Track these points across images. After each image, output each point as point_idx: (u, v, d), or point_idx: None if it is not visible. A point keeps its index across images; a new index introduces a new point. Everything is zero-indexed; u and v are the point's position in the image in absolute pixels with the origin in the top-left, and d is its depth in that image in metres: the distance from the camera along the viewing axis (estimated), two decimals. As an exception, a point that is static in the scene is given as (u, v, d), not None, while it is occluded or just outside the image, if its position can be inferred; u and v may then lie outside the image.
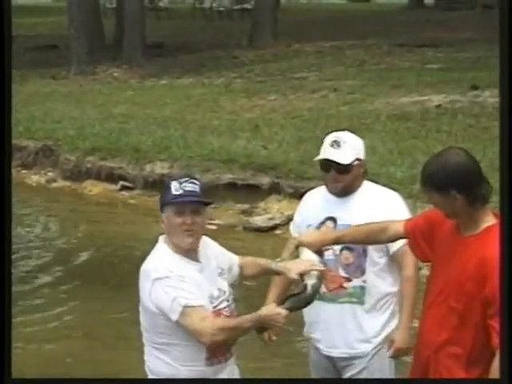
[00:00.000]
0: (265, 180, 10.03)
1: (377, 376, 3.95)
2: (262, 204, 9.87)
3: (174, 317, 3.34)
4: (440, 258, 3.49)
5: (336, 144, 3.94)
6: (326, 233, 3.84)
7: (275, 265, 3.75)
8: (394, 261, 3.97)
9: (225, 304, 3.52)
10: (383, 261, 3.99)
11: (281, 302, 3.48)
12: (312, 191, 4.27)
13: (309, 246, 3.73)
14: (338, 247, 3.94)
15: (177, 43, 23.01)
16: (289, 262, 3.74)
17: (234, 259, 3.76)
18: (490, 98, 12.76)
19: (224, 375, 3.53)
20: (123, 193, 11.25)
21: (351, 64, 17.57)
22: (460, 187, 3.26)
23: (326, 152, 3.95)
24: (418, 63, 16.85)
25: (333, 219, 3.97)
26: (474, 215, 3.33)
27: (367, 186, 4.07)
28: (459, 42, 19.07)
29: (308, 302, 3.62)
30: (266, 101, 14.60)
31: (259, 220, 9.48)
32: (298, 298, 3.57)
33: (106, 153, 11.67)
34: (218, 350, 3.46)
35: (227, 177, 10.28)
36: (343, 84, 15.22)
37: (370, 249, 3.94)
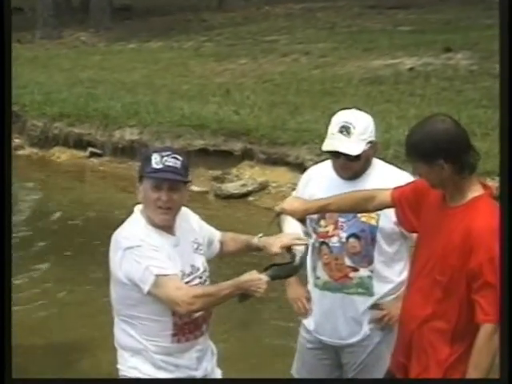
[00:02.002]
0: (237, 146, 9.89)
1: (383, 361, 3.71)
2: (234, 170, 9.74)
3: (146, 287, 3.19)
4: (426, 229, 3.37)
5: (346, 130, 3.62)
6: (311, 201, 3.65)
7: (257, 240, 3.56)
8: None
9: (197, 281, 3.37)
10: (392, 249, 3.77)
11: (264, 270, 3.30)
12: (316, 168, 3.97)
13: (292, 213, 3.53)
14: (344, 234, 3.72)
15: (145, 6, 22.70)
16: (271, 236, 3.54)
17: (215, 235, 3.61)
18: (463, 60, 12.68)
19: (193, 353, 3.39)
20: (92, 159, 11.07)
21: (322, 26, 17.39)
22: (447, 155, 3.12)
23: (335, 140, 3.64)
24: (389, 25, 16.70)
25: None
26: (461, 185, 3.20)
27: (377, 167, 3.77)
28: (430, 3, 18.93)
29: (293, 273, 3.46)
30: (236, 65, 14.41)
31: (231, 187, 9.34)
32: (283, 267, 3.40)
33: (74, 119, 11.48)
34: (185, 327, 3.33)
35: (198, 143, 10.13)
36: (314, 47, 15.05)
37: (379, 237, 3.72)
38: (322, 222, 3.77)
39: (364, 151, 3.63)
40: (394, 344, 3.53)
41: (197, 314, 3.31)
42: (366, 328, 3.80)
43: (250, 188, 9.25)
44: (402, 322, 3.45)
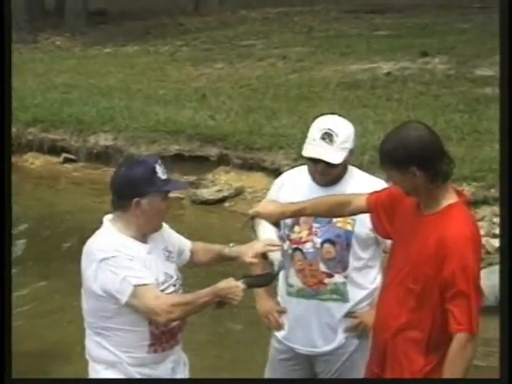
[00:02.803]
0: (212, 151, 9.81)
1: (358, 369, 3.68)
2: (209, 176, 9.66)
3: (124, 298, 3.14)
4: (400, 236, 3.32)
5: (328, 137, 3.56)
6: (286, 204, 3.57)
7: (229, 250, 3.52)
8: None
9: (171, 289, 3.31)
10: (366, 255, 3.72)
11: (242, 278, 3.25)
12: (290, 173, 3.93)
13: (267, 217, 3.45)
14: (319, 240, 3.66)
15: (121, 10, 22.56)
16: (243, 245, 3.48)
17: (186, 244, 3.56)
18: (440, 64, 12.69)
19: (168, 363, 3.34)
20: (66, 165, 10.94)
21: (299, 31, 17.34)
22: (419, 163, 3.08)
23: (316, 146, 3.58)
24: (366, 30, 16.68)
25: None
26: (435, 192, 3.15)
27: (353, 173, 3.74)
28: (407, 8, 18.95)
29: (271, 281, 3.41)
30: (212, 69, 14.33)
31: (207, 192, 9.25)
32: (260, 276, 3.36)
33: (48, 124, 11.34)
34: (162, 337, 3.28)
35: (174, 148, 10.04)
36: (291, 51, 15.00)
37: (354, 242, 3.67)
38: (296, 228, 3.71)
39: (344, 160, 3.59)
40: (369, 353, 3.47)
41: (173, 324, 3.26)
42: (340, 336, 3.75)
43: (225, 193, 9.17)
44: (375, 331, 3.39)
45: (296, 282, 3.74)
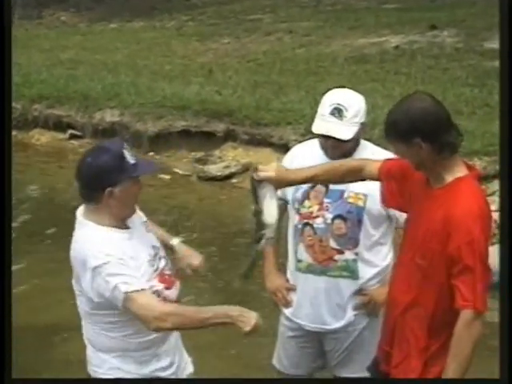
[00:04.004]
0: (219, 127, 9.72)
1: (367, 347, 3.64)
2: (216, 152, 9.58)
3: (119, 304, 3.10)
4: (411, 211, 3.25)
5: (338, 113, 3.49)
6: (297, 170, 3.44)
7: (175, 243, 3.54)
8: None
9: (163, 262, 3.30)
10: (378, 232, 3.66)
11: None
12: (301, 146, 3.88)
13: (277, 183, 3.31)
14: (330, 215, 3.59)
15: (126, -15, 22.39)
16: (188, 248, 3.55)
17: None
18: (449, 37, 12.56)
19: (171, 338, 3.33)
20: (72, 141, 10.88)
21: (306, 5, 17.18)
22: (424, 134, 3.00)
23: (326, 122, 3.52)
24: (374, 3, 16.53)
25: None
26: (442, 165, 3.08)
27: (365, 147, 3.68)
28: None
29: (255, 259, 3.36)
30: (219, 44, 14.22)
31: (214, 168, 9.18)
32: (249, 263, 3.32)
33: (54, 100, 11.26)
34: None
35: (180, 124, 9.96)
36: (298, 26, 14.87)
37: (366, 219, 3.60)
38: (307, 203, 3.65)
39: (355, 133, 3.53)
40: (381, 332, 3.42)
41: (173, 297, 3.25)
42: (350, 314, 3.70)
43: (233, 170, 9.11)
44: (386, 309, 3.34)
45: (305, 257, 3.69)
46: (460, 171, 3.09)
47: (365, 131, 3.67)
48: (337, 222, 3.60)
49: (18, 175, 9.90)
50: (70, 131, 10.91)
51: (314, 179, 3.44)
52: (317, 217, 3.63)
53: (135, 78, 11.71)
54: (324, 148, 3.64)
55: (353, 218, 3.60)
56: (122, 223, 3.25)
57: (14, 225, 7.98)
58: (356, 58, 11.99)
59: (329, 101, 3.57)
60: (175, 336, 3.37)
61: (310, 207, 3.65)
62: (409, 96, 3.17)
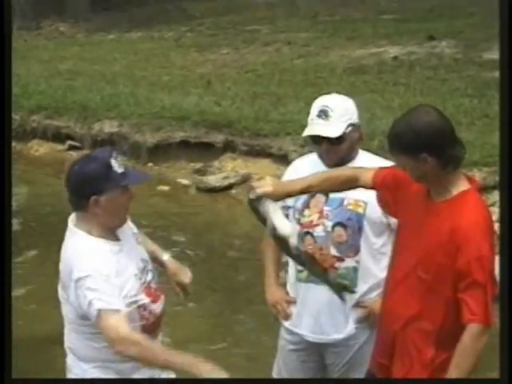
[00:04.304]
0: (218, 138, 9.71)
1: (367, 362, 3.56)
2: (215, 163, 9.57)
3: (92, 319, 3.09)
4: (408, 223, 3.23)
5: (324, 114, 3.54)
6: (292, 182, 3.46)
7: (166, 259, 3.52)
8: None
9: (150, 275, 3.29)
10: (379, 241, 3.64)
11: None
12: (300, 160, 3.88)
13: (275, 196, 3.32)
14: (330, 223, 3.59)
15: (125, -4, 22.42)
16: (177, 264, 3.54)
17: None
18: (447, 48, 12.57)
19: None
20: (71, 153, 10.84)
21: (304, 16, 17.21)
22: (430, 149, 2.99)
23: (314, 125, 3.57)
24: (372, 14, 16.55)
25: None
26: (446, 179, 3.07)
27: (363, 157, 3.67)
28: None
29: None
30: (217, 55, 14.23)
31: (213, 179, 9.16)
32: None
33: (53, 111, 11.26)
34: (150, 328, 3.25)
35: (179, 135, 9.94)
36: (297, 36, 14.89)
37: (366, 226, 3.59)
38: (307, 212, 3.65)
39: (345, 133, 3.53)
40: (375, 343, 3.40)
41: (158, 315, 3.26)
42: (351, 325, 3.67)
43: (232, 180, 9.09)
44: (383, 322, 3.31)
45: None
46: (463, 184, 3.08)
47: (361, 136, 3.66)
48: (337, 229, 3.59)
49: (17, 186, 9.94)
50: (69, 142, 10.89)
51: (310, 189, 3.44)
52: (317, 225, 3.62)
53: (134, 89, 11.72)
54: (320, 156, 3.65)
55: (353, 225, 3.59)
56: (111, 234, 3.23)
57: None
58: (354, 69, 12.00)
59: (316, 106, 3.61)
60: None
61: (310, 216, 3.65)
62: (413, 109, 3.15)
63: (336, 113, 3.54)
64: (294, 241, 3.35)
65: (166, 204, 8.95)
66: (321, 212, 3.62)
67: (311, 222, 3.64)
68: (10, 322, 3.05)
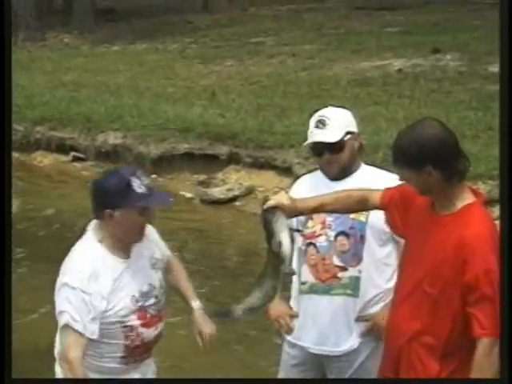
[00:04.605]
0: (222, 150, 9.70)
1: (372, 377, 3.57)
2: (219, 175, 9.56)
3: (59, 326, 3.18)
4: (413, 237, 3.20)
5: (321, 124, 3.57)
6: (305, 200, 3.43)
7: (196, 306, 3.49)
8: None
9: (152, 300, 3.30)
10: (383, 251, 3.62)
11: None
12: (306, 176, 3.91)
13: (288, 211, 3.29)
14: (332, 233, 3.58)
15: (129, 7, 22.50)
16: (205, 317, 3.48)
17: (167, 255, 3.53)
18: (452, 61, 12.56)
19: (136, 374, 3.34)
20: (75, 164, 10.86)
21: (309, 28, 17.23)
22: (435, 162, 2.97)
23: (313, 135, 3.61)
24: (377, 27, 16.55)
25: None
26: (450, 192, 3.05)
27: (366, 170, 3.69)
28: (418, 5, 18.82)
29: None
30: (222, 67, 14.24)
31: (217, 191, 9.15)
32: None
33: (57, 122, 11.28)
34: (135, 351, 3.27)
35: (183, 146, 9.94)
36: (301, 49, 14.90)
37: (369, 235, 3.58)
38: (310, 223, 3.65)
39: (344, 141, 3.56)
40: (381, 358, 3.37)
41: (147, 340, 3.26)
42: (354, 339, 3.64)
43: (236, 193, 9.07)
44: (389, 336, 3.28)
45: (309, 277, 3.66)
46: (468, 198, 3.07)
47: (361, 146, 3.67)
48: (340, 238, 3.58)
49: (21, 197, 9.93)
50: (73, 153, 10.90)
51: (322, 208, 3.42)
52: (320, 235, 3.61)
53: (138, 101, 11.72)
54: (322, 168, 3.66)
55: (355, 233, 3.58)
56: (122, 249, 3.25)
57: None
58: (359, 81, 12.00)
59: (314, 118, 3.65)
60: (141, 374, 3.36)
61: (313, 227, 3.65)
62: (418, 122, 3.14)
63: (333, 121, 3.58)
64: (290, 268, 3.34)
65: (170, 216, 8.93)
66: (323, 222, 3.62)
67: (314, 232, 3.64)
68: (10, 323, 3.06)
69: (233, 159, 9.62)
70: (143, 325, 3.24)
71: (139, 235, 3.27)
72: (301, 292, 3.71)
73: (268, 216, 3.27)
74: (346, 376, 3.69)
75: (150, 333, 3.27)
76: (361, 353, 3.67)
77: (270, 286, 3.31)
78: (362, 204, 3.39)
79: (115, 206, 3.16)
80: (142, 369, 3.36)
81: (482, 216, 3.05)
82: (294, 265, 3.69)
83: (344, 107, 3.80)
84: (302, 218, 3.63)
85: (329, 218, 3.60)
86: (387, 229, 3.52)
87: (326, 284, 3.62)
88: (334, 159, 3.58)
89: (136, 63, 15.17)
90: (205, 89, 12.44)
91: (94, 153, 10.72)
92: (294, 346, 3.79)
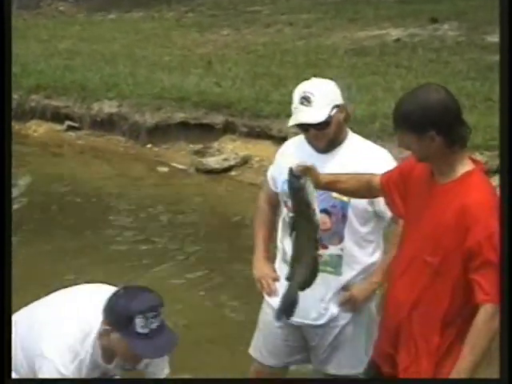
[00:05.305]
0: (218, 119, 9.63)
1: (351, 343, 3.65)
2: (215, 144, 9.50)
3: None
4: (412, 209, 3.18)
5: (306, 100, 3.51)
6: (318, 175, 3.37)
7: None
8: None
9: None
10: (365, 229, 3.62)
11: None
12: (291, 141, 3.86)
13: (315, 178, 3.30)
14: None
15: (125, -25, 22.28)
16: None
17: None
18: (450, 31, 12.48)
19: None
20: (70, 133, 10.78)
21: (306, -4, 17.09)
22: (438, 127, 2.95)
23: (298, 113, 3.54)
24: (374, -5, 16.43)
25: None
26: (451, 159, 3.02)
27: (353, 140, 3.66)
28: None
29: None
30: (218, 36, 14.13)
31: (213, 161, 9.10)
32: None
33: (51, 91, 11.16)
34: None
35: (179, 116, 9.87)
36: (298, 18, 14.77)
37: (351, 214, 3.57)
38: None
39: (331, 116, 3.51)
40: (378, 332, 3.36)
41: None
42: (333, 309, 3.65)
43: (232, 162, 9.02)
44: (388, 310, 3.26)
45: (291, 251, 3.63)
46: (468, 165, 3.05)
47: (347, 116, 3.62)
48: (322, 216, 3.53)
49: (16, 166, 9.86)
50: (68, 122, 10.81)
51: (334, 186, 3.41)
52: None
53: (133, 69, 11.62)
54: (309, 142, 3.63)
55: (337, 212, 3.57)
56: (108, 360, 3.16)
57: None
58: (356, 51, 11.91)
59: (297, 93, 3.57)
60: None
61: None
62: (421, 87, 3.12)
63: (317, 97, 3.51)
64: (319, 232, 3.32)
65: (165, 185, 8.90)
66: None
67: None
68: (9, 322, 2.99)
69: (229, 128, 9.55)
70: None
71: (132, 364, 3.16)
72: (284, 261, 3.72)
73: (299, 182, 3.24)
74: (327, 343, 3.71)
75: None
76: (340, 320, 3.69)
77: (310, 258, 3.33)
78: (367, 187, 3.37)
79: (112, 327, 3.06)
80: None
81: (483, 182, 3.04)
82: (279, 233, 3.72)
83: (331, 79, 3.73)
84: (286, 188, 3.62)
85: None
86: (369, 208, 3.53)
87: None
88: (321, 134, 3.56)
89: (132, 31, 15.03)
90: (201, 58, 12.34)
91: (89, 122, 10.63)
92: (273, 307, 3.78)
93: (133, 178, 9.12)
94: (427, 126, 2.94)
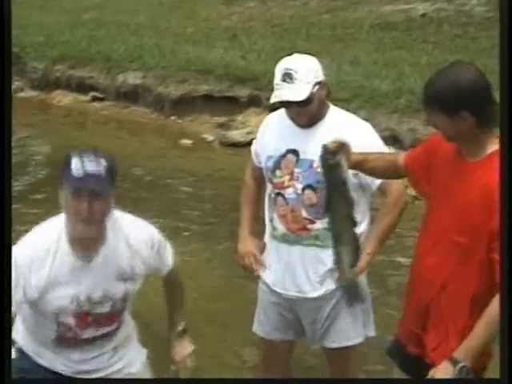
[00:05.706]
0: (243, 92, 9.62)
1: (342, 319, 3.68)
2: (239, 117, 9.48)
3: None
4: (439, 188, 3.13)
5: (288, 78, 3.45)
6: (351, 153, 3.29)
7: (179, 330, 3.32)
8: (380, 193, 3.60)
9: (105, 309, 3.05)
10: None
11: None
12: (273, 115, 3.79)
13: (349, 155, 3.25)
14: (300, 185, 3.55)
15: None
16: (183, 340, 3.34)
17: (159, 268, 3.23)
18: (478, 6, 12.32)
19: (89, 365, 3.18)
20: (94, 104, 10.81)
21: (333, -30, 16.94)
22: (471, 107, 2.88)
23: (280, 89, 3.48)
24: (402, -31, 16.27)
25: (295, 152, 3.56)
26: (481, 139, 2.97)
27: (334, 114, 3.62)
28: None
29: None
30: (244, 8, 14.06)
31: (237, 134, 9.08)
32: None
33: (76, 61, 11.22)
34: (65, 342, 3.11)
35: (203, 88, 9.87)
36: (325, -10, 14.67)
37: None
38: (278, 172, 3.62)
39: (313, 93, 3.47)
40: (404, 311, 3.33)
41: (83, 337, 3.10)
42: (327, 283, 3.64)
43: (255, 136, 8.99)
44: (415, 289, 3.22)
45: (280, 226, 3.66)
46: (496, 143, 2.99)
47: (329, 92, 3.58)
48: (307, 192, 3.54)
49: (39, 136, 9.91)
50: (92, 93, 10.84)
51: (361, 166, 3.36)
52: (288, 187, 3.58)
53: (158, 41, 11.62)
54: (290, 117, 3.59)
55: (322, 187, 3.49)
56: (82, 248, 2.97)
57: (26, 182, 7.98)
58: (382, 25, 11.83)
59: (279, 69, 3.53)
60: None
61: (281, 177, 3.62)
62: (452, 65, 3.04)
63: (300, 74, 3.46)
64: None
65: (188, 158, 8.90)
66: (291, 174, 3.59)
67: (283, 183, 3.62)
68: (9, 322, 2.94)
69: (253, 102, 9.53)
70: (79, 326, 3.05)
71: (78, 226, 2.89)
72: (274, 237, 3.72)
73: (334, 158, 3.20)
74: (325, 315, 3.71)
75: (87, 333, 3.08)
76: (336, 292, 3.67)
77: (350, 236, 3.30)
78: (394, 167, 3.32)
79: (60, 185, 2.90)
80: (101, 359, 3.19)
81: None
82: (266, 209, 3.72)
83: (311, 54, 3.69)
84: (270, 164, 3.62)
85: (297, 170, 3.58)
86: (354, 180, 3.48)
87: (296, 235, 3.62)
88: (303, 111, 3.52)
89: (156, 3, 15.01)
90: (226, 30, 12.30)
91: (113, 93, 10.66)
92: (268, 285, 3.80)
93: (156, 149, 9.12)
94: (460, 106, 2.89)
